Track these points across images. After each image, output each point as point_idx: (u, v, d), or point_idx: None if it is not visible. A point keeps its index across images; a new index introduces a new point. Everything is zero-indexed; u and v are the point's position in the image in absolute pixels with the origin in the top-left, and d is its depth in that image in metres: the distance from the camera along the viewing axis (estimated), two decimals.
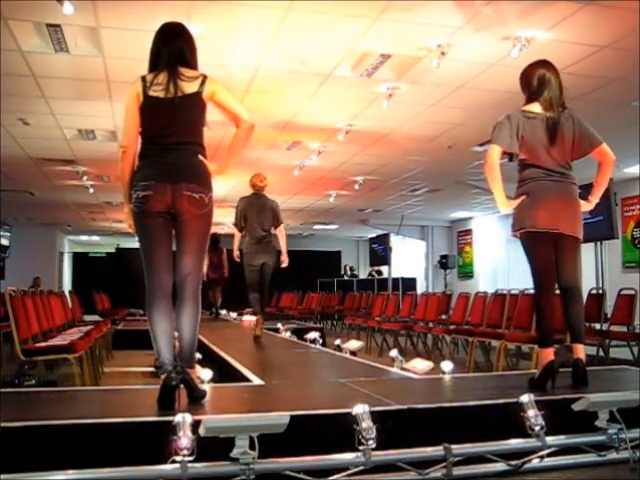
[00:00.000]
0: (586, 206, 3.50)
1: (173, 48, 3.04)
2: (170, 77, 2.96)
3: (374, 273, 18.80)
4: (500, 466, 2.69)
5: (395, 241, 16.59)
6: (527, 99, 3.46)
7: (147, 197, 2.90)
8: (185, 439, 2.28)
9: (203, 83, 3.00)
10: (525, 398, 2.75)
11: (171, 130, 2.95)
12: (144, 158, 2.98)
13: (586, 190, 3.52)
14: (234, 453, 2.34)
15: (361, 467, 2.50)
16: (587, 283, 4.96)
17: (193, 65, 3.07)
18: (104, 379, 5.89)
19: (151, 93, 2.95)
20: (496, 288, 7.98)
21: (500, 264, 14.26)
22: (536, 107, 3.40)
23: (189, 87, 2.98)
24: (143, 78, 3.00)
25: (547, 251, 3.41)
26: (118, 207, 13.60)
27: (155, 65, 3.03)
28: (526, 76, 3.49)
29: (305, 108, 6.84)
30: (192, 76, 3.01)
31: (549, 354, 3.34)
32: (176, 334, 3.06)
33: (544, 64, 3.48)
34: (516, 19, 4.60)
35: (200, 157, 3.00)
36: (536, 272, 3.43)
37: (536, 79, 3.42)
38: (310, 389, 3.81)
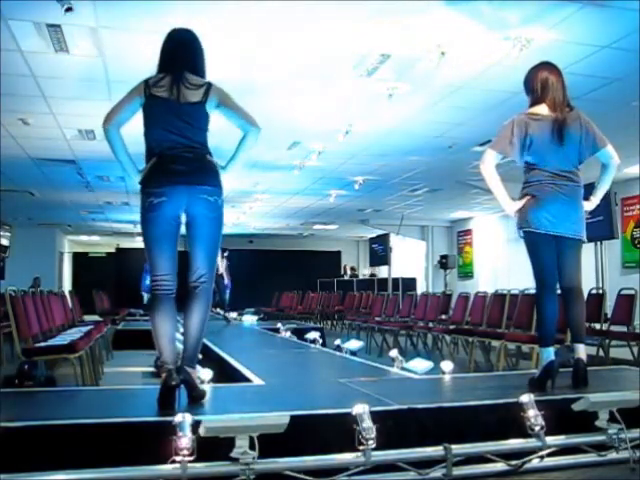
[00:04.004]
0: (587, 206, 3.49)
1: (180, 54, 3.06)
2: (174, 82, 2.97)
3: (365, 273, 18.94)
4: (500, 466, 2.69)
5: (395, 241, 16.59)
6: (532, 102, 3.45)
7: (161, 203, 2.91)
8: (185, 439, 2.28)
9: (207, 92, 3.01)
10: (525, 398, 2.75)
11: (177, 135, 2.96)
12: (154, 163, 2.97)
13: (587, 190, 3.51)
14: (234, 453, 2.35)
15: (361, 467, 2.50)
16: (587, 283, 4.95)
17: (200, 73, 3.09)
18: (104, 379, 5.88)
19: (153, 92, 2.97)
20: (496, 288, 7.98)
21: (500, 264, 14.26)
22: (542, 109, 3.39)
23: (193, 95, 2.99)
24: (146, 81, 3.01)
25: (549, 251, 3.41)
26: (118, 207, 13.60)
27: (161, 70, 3.05)
28: (529, 80, 3.48)
29: (305, 108, 6.84)
30: (197, 84, 3.01)
31: (549, 354, 3.34)
32: (179, 336, 3.08)
33: (546, 66, 3.46)
34: (516, 19, 4.60)
35: (209, 157, 3.02)
36: (538, 272, 3.44)
37: (539, 82, 3.41)
38: (310, 389, 3.81)
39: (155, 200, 2.92)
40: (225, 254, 13.92)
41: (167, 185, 2.92)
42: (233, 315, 11.35)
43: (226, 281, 12.79)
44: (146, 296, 14.21)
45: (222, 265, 12.88)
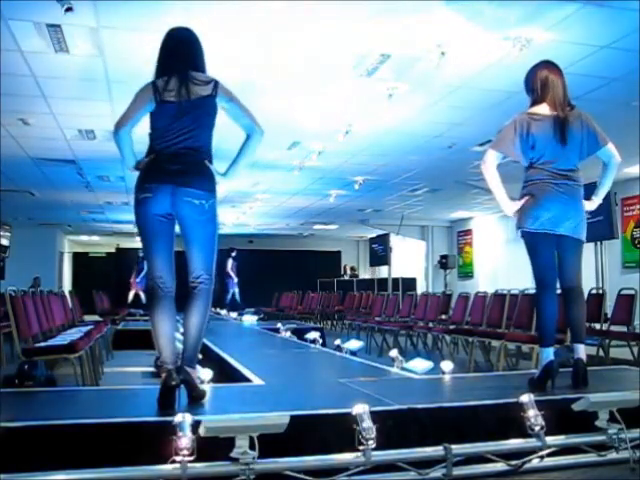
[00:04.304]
0: (589, 205, 3.49)
1: (183, 53, 3.06)
2: (182, 82, 2.97)
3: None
4: (500, 466, 2.69)
5: (395, 241, 16.59)
6: (532, 102, 3.45)
7: (147, 199, 2.93)
8: (185, 439, 2.29)
9: (215, 87, 3.02)
10: (525, 398, 2.75)
11: (182, 135, 2.96)
12: (150, 160, 2.98)
13: (588, 190, 3.51)
14: (234, 453, 2.35)
15: (361, 467, 2.50)
16: (587, 283, 4.95)
17: (202, 70, 3.10)
18: (104, 379, 5.88)
19: (164, 97, 2.97)
20: (496, 288, 7.98)
21: (500, 264, 14.26)
22: (543, 109, 3.38)
23: (202, 90, 3.00)
24: (154, 84, 3.01)
25: (548, 251, 3.41)
26: (118, 207, 13.60)
27: (164, 70, 3.04)
28: (529, 79, 3.48)
29: (305, 108, 6.84)
30: (204, 80, 3.03)
31: (549, 354, 3.35)
32: (179, 336, 3.08)
33: (546, 65, 3.46)
34: (515, 19, 4.60)
35: (207, 163, 3.03)
36: (537, 271, 3.44)
37: (539, 81, 3.41)
38: (310, 389, 3.81)
39: (141, 195, 2.96)
40: (233, 254, 14.00)
41: (154, 182, 2.93)
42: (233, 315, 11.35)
43: (235, 280, 12.93)
44: (132, 293, 14.34)
45: (229, 265, 13.01)
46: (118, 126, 3.01)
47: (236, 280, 13.41)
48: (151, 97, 2.98)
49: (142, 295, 14.69)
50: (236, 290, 13.95)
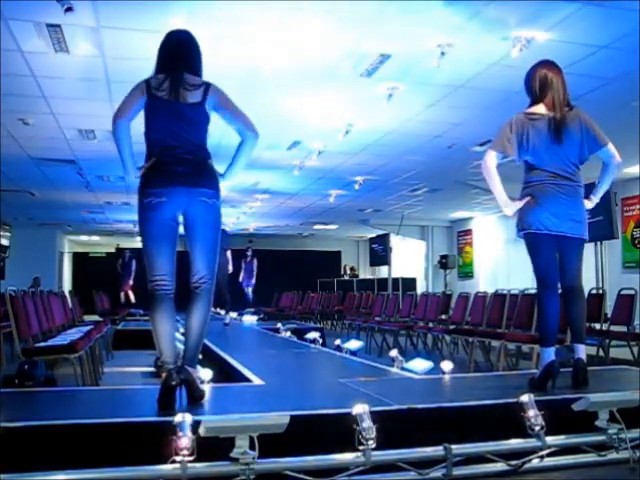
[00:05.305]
0: (587, 205, 3.50)
1: (179, 55, 3.07)
2: (173, 84, 2.98)
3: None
4: (500, 466, 2.69)
5: (395, 241, 16.59)
6: (532, 101, 3.45)
7: (160, 204, 2.93)
8: (185, 439, 2.29)
9: (206, 92, 3.02)
10: (525, 398, 2.75)
11: (178, 137, 2.97)
12: (153, 163, 2.98)
13: (588, 190, 3.52)
14: (234, 453, 2.35)
15: (361, 467, 2.50)
16: (587, 283, 4.94)
17: (198, 73, 3.11)
18: (104, 379, 5.88)
19: (155, 93, 2.99)
20: (496, 288, 7.97)
21: (500, 264, 14.26)
22: (540, 108, 3.39)
23: (192, 96, 3.00)
24: (147, 81, 3.02)
25: (550, 252, 3.42)
26: (118, 207, 13.61)
27: (160, 70, 3.06)
28: (529, 79, 3.48)
29: (305, 108, 6.84)
30: (196, 84, 3.03)
31: (550, 354, 3.34)
32: (180, 336, 3.09)
33: (546, 64, 3.46)
34: (516, 19, 4.60)
35: (210, 162, 3.04)
36: (539, 272, 3.44)
37: (538, 81, 3.41)
38: (310, 389, 3.82)
39: (154, 200, 2.94)
40: (248, 252, 14.13)
41: (167, 186, 2.93)
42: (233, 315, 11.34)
43: (240, 279, 13.05)
44: (122, 295, 14.39)
45: (242, 267, 13.15)
46: (115, 118, 3.01)
47: (253, 280, 13.55)
48: (143, 91, 3.00)
49: (131, 295, 14.73)
50: (250, 289, 14.03)
